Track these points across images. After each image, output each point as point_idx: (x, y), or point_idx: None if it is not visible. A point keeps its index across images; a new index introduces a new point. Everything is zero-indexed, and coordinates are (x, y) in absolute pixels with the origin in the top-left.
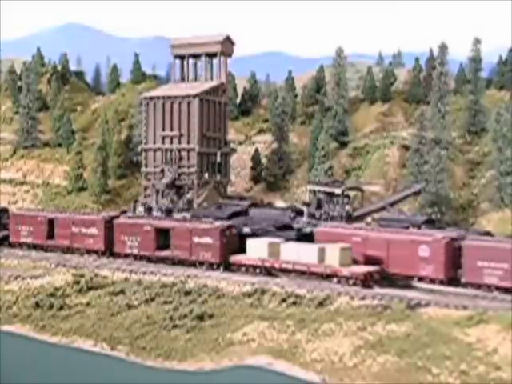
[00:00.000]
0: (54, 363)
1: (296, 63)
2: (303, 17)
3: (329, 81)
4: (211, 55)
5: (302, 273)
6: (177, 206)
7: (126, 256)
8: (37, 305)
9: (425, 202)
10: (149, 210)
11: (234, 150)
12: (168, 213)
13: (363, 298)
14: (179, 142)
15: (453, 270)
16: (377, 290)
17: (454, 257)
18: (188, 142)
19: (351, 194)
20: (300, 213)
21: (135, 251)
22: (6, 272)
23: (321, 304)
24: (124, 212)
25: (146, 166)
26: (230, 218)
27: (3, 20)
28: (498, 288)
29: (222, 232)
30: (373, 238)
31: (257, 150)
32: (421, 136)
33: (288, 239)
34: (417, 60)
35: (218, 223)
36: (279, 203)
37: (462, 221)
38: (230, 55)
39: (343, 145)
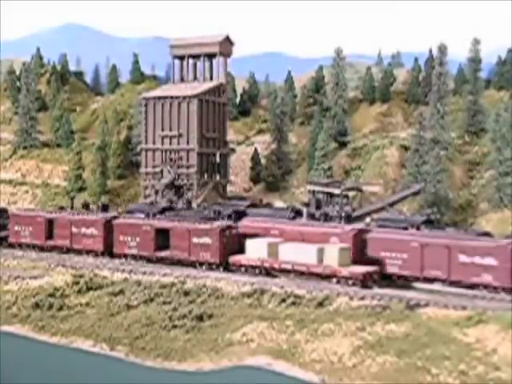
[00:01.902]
0: (53, 363)
1: (295, 63)
2: (302, 17)
3: (328, 81)
4: (210, 55)
5: (302, 273)
6: (176, 206)
7: (126, 256)
8: (36, 305)
9: (424, 202)
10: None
11: (233, 151)
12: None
13: (362, 299)
14: (178, 143)
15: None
16: (376, 290)
17: (361, 247)
18: (187, 143)
19: (350, 194)
20: (299, 213)
21: (134, 251)
22: (6, 272)
23: (320, 304)
24: (62, 208)
25: (146, 167)
26: (161, 212)
27: (3, 20)
28: (399, 277)
29: (221, 232)
30: (288, 231)
31: (256, 150)
32: (420, 136)
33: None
34: (416, 60)
35: (217, 224)
36: (278, 203)
37: (462, 221)
38: (229, 55)
39: (342, 145)
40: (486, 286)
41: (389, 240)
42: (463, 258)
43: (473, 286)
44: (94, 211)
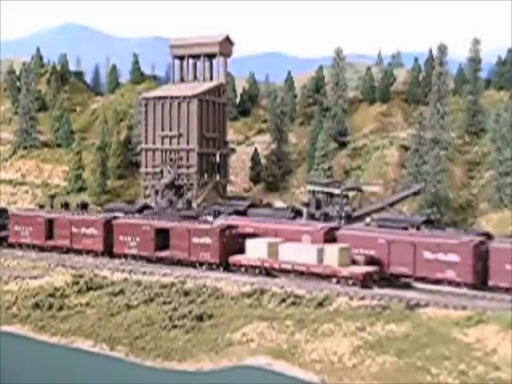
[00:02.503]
0: (53, 363)
1: (295, 63)
2: (303, 17)
3: (328, 81)
4: (210, 55)
5: (302, 273)
6: (176, 207)
7: (126, 256)
8: (36, 305)
9: (424, 202)
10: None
11: (233, 151)
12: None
13: (362, 299)
14: (178, 143)
15: None
16: (376, 290)
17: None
18: (187, 143)
19: (350, 194)
20: (299, 213)
21: (134, 251)
22: (6, 272)
23: (320, 304)
24: (42, 207)
25: (146, 167)
26: (139, 211)
27: (3, 20)
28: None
29: (221, 232)
30: (263, 229)
31: (256, 150)
32: (420, 136)
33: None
34: (416, 60)
35: (217, 224)
36: (278, 203)
37: (462, 221)
38: (229, 55)
39: (342, 145)
40: (449, 282)
41: (357, 237)
42: (428, 255)
43: (437, 282)
44: (73, 210)
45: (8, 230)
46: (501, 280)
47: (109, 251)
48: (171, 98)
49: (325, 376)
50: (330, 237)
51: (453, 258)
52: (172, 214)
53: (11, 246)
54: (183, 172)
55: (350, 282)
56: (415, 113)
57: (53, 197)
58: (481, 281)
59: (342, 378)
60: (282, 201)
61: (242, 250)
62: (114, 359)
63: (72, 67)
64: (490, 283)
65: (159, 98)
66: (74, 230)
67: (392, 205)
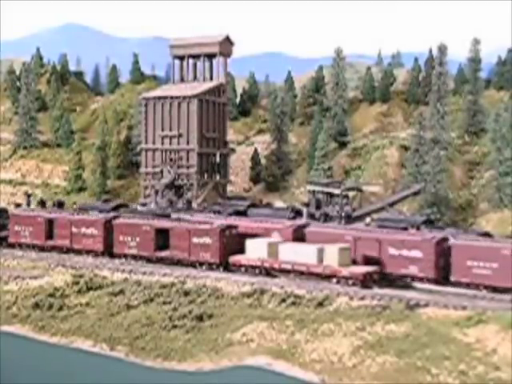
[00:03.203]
0: (53, 363)
1: (295, 63)
2: (303, 17)
3: (328, 81)
4: (210, 55)
5: (301, 273)
6: (176, 207)
7: (126, 256)
8: (36, 305)
9: (424, 202)
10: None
11: (233, 151)
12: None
13: (362, 299)
14: (178, 143)
15: None
16: (376, 290)
17: (301, 242)
18: (187, 143)
19: (350, 194)
20: (299, 213)
21: (134, 251)
22: (6, 272)
23: (320, 304)
24: (19, 205)
25: (146, 167)
26: (114, 209)
27: (3, 20)
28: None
29: (221, 232)
30: None
31: (256, 150)
32: (420, 136)
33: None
34: (416, 60)
35: (217, 224)
36: (278, 203)
37: (462, 221)
38: (229, 55)
39: (342, 145)
40: (413, 278)
41: (325, 234)
42: (392, 251)
43: (401, 278)
44: (49, 208)
45: (8, 229)
46: (462, 276)
47: (109, 251)
48: (171, 97)
49: (325, 376)
50: (299, 234)
51: (416, 254)
52: (145, 212)
53: (11, 245)
54: (183, 172)
55: (350, 282)
56: (415, 113)
57: (29, 195)
58: (443, 276)
59: (342, 378)
60: (282, 201)
61: (242, 250)
62: (113, 359)
63: (72, 67)
64: (452, 279)
65: (159, 97)
66: (74, 230)
67: (392, 205)
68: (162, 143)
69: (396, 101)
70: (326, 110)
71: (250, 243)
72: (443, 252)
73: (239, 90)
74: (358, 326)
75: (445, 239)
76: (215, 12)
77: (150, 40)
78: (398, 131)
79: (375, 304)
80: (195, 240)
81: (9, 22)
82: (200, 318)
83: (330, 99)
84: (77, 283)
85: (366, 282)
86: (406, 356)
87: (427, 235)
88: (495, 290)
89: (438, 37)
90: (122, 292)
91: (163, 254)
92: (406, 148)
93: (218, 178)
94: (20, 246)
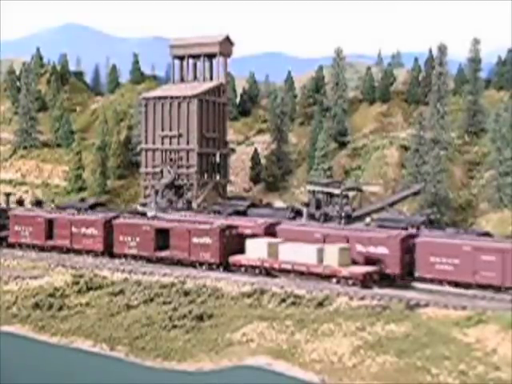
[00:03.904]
0: (53, 363)
1: (295, 63)
2: (303, 17)
3: (328, 81)
4: (210, 55)
5: (301, 273)
6: (176, 207)
7: (126, 256)
8: (36, 305)
9: (424, 202)
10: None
11: (233, 151)
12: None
13: (362, 299)
14: (178, 143)
15: None
16: (376, 290)
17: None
18: (187, 143)
19: (350, 194)
20: (299, 213)
21: (134, 251)
22: (6, 272)
23: (320, 304)
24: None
25: (146, 167)
26: (90, 208)
27: (3, 20)
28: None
29: (221, 232)
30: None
31: (256, 150)
32: (420, 136)
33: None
34: (416, 60)
35: (217, 224)
36: (278, 203)
37: (462, 221)
38: (229, 55)
39: (342, 145)
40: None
41: (295, 231)
42: (360, 248)
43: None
44: (27, 207)
45: (8, 229)
46: (426, 271)
47: (109, 251)
48: (171, 98)
49: (325, 376)
50: (270, 231)
51: (382, 250)
52: (120, 211)
53: (11, 245)
54: (183, 172)
55: (350, 282)
56: (415, 113)
57: (8, 195)
58: (408, 272)
59: (342, 378)
60: (282, 201)
61: (242, 250)
62: (114, 359)
63: (72, 67)
64: (416, 274)
65: (159, 97)
66: (74, 230)
67: (392, 205)
68: (162, 143)
69: (396, 101)
70: (326, 110)
71: (250, 243)
72: (408, 248)
73: (239, 90)
74: (358, 326)
75: (410, 236)
76: (215, 12)
77: (150, 40)
78: (398, 131)
79: (375, 304)
80: (195, 240)
81: (9, 22)
82: (200, 318)
83: (330, 99)
84: (77, 283)
85: (365, 282)
86: (405, 356)
87: (393, 232)
88: (457, 284)
89: (438, 37)
90: (121, 292)
91: (163, 253)
92: (406, 148)
93: (218, 177)
94: (20, 246)
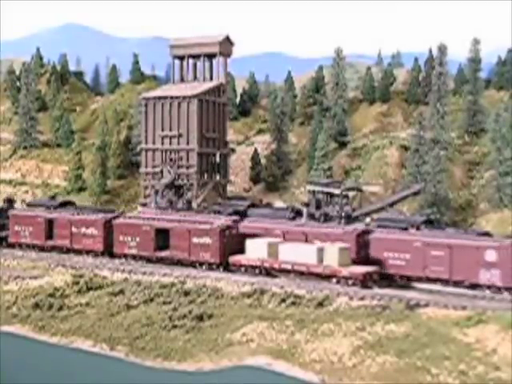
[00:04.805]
0: (53, 363)
1: (295, 63)
2: (303, 17)
3: (328, 81)
4: (210, 55)
5: (301, 273)
6: (176, 207)
7: (126, 256)
8: (36, 305)
9: (424, 202)
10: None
11: (233, 151)
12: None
13: (362, 299)
14: (178, 143)
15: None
16: (376, 290)
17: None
18: (187, 143)
19: (350, 194)
20: (299, 213)
21: (134, 251)
22: (6, 272)
23: (320, 304)
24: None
25: (146, 167)
26: (60, 206)
27: (3, 20)
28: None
29: (221, 232)
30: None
31: (256, 150)
32: (420, 136)
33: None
34: (416, 60)
35: (217, 224)
36: (278, 203)
37: (462, 221)
38: (229, 55)
39: (342, 145)
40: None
41: (256, 228)
42: (318, 243)
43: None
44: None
45: (8, 229)
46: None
47: (109, 251)
48: (171, 98)
49: (325, 376)
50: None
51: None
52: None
53: (11, 245)
54: (183, 172)
55: (350, 282)
56: (415, 113)
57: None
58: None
59: (342, 378)
60: (282, 201)
61: (242, 250)
62: (113, 359)
63: (72, 67)
64: None
65: (159, 97)
66: (74, 230)
67: (392, 205)
68: (162, 143)
69: (396, 101)
70: (325, 110)
71: (250, 243)
72: (364, 244)
73: (239, 90)
74: (358, 326)
75: (366, 232)
76: (215, 12)
77: (150, 40)
78: (398, 131)
79: (375, 304)
80: (195, 240)
81: (9, 22)
82: (200, 318)
83: (329, 99)
84: (77, 283)
85: (365, 281)
86: (406, 356)
87: (348, 228)
88: (409, 279)
89: (438, 37)
90: (121, 292)
91: (163, 253)
92: (406, 148)
93: (218, 177)
94: (20, 246)
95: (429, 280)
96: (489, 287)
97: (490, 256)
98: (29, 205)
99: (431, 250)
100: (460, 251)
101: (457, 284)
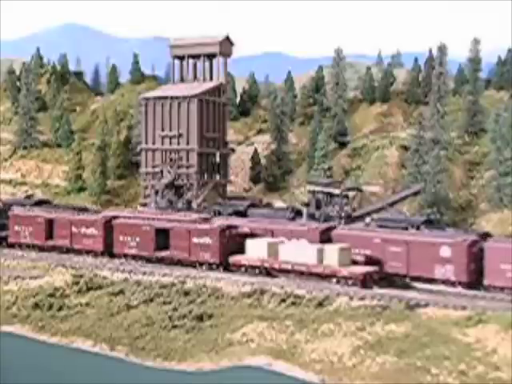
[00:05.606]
0: (53, 363)
1: (295, 64)
2: (302, 17)
3: (328, 81)
4: (210, 56)
5: (302, 273)
6: (176, 207)
7: (126, 256)
8: (36, 305)
9: (424, 202)
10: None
11: (233, 151)
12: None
13: (362, 299)
14: (178, 143)
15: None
16: (376, 290)
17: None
18: (187, 143)
19: (350, 194)
20: (299, 213)
21: (134, 251)
22: (6, 272)
23: (320, 304)
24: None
25: (146, 167)
26: (35, 205)
27: (3, 20)
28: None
29: (221, 232)
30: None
31: (256, 150)
32: (420, 136)
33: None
34: (416, 60)
35: (217, 223)
36: (278, 203)
37: (462, 221)
38: (229, 56)
39: (342, 145)
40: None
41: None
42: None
43: None
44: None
45: (8, 229)
46: None
47: (109, 251)
48: (171, 98)
49: (325, 376)
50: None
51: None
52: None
53: (11, 245)
54: (183, 172)
55: (350, 282)
56: (415, 113)
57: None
58: None
59: (342, 378)
60: (282, 201)
61: (242, 250)
62: (114, 359)
63: (72, 67)
64: None
65: (159, 98)
66: (74, 230)
67: (392, 205)
68: (162, 143)
69: (396, 101)
70: (325, 110)
71: (250, 243)
72: (327, 241)
73: (239, 90)
74: (358, 326)
75: (329, 229)
76: (215, 12)
77: (150, 40)
78: (398, 131)
79: (375, 304)
80: (195, 240)
81: (9, 22)
82: (200, 318)
83: (329, 99)
84: (77, 283)
85: (365, 281)
86: (405, 356)
87: (313, 225)
88: None
89: (438, 37)
90: (122, 292)
91: (163, 253)
92: (406, 148)
93: (218, 177)
94: (20, 246)
95: (388, 275)
96: (443, 282)
97: (445, 252)
98: (5, 203)
99: (390, 246)
100: (416, 247)
101: (413, 279)
